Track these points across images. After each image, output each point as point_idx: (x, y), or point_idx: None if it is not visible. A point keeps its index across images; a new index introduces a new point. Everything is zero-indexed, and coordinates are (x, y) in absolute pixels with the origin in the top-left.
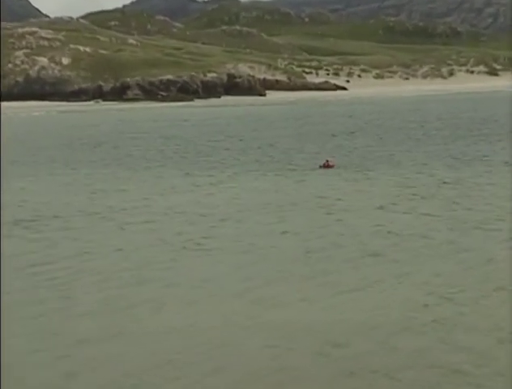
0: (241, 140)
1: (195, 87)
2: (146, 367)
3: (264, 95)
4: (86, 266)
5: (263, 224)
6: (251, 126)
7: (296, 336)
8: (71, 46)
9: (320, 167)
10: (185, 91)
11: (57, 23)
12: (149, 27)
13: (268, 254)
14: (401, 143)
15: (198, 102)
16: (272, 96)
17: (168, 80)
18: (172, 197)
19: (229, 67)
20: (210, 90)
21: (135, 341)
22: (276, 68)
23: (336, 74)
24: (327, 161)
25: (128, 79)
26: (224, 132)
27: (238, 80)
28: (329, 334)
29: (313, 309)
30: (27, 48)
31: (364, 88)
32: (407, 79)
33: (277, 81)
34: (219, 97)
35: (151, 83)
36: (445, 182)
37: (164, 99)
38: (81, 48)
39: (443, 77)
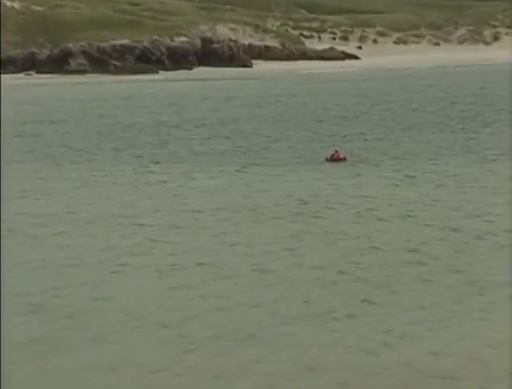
0: (205, 125)
1: (159, 55)
2: None
3: (250, 66)
4: None
5: (212, 237)
6: (224, 107)
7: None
8: None
9: (327, 160)
10: (146, 61)
11: None
12: None
13: (211, 275)
14: (409, 131)
15: (162, 75)
16: (260, 66)
17: (124, 46)
18: (105, 200)
19: (204, 29)
20: (178, 59)
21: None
22: (266, 30)
23: (345, 38)
24: (336, 152)
25: (70, 45)
26: (187, 115)
27: (216, 46)
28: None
29: (237, 346)
30: None
31: (380, 57)
32: (437, 44)
33: (267, 48)
34: (191, 69)
35: (101, 50)
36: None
37: (118, 71)
38: (7, 3)
39: (485, 42)
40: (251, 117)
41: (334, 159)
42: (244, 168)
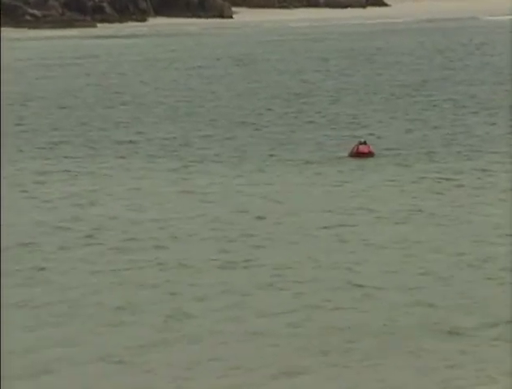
0: (141, 104)
1: (97, 0)
2: None
3: (229, 16)
4: None
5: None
6: (172, 77)
7: None
8: None
9: (350, 155)
10: (79, 10)
11: None
12: None
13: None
14: (451, 112)
15: (102, 29)
16: (244, 17)
17: None
18: None
19: None
20: (125, 7)
21: None
22: None
23: None
24: (359, 145)
25: None
26: (117, 88)
27: None
28: None
29: None
30: None
31: (418, 3)
32: None
33: None
34: (145, 20)
35: None
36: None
37: (36, 24)
38: None
39: None
40: (218, 92)
41: (357, 153)
42: (177, 164)
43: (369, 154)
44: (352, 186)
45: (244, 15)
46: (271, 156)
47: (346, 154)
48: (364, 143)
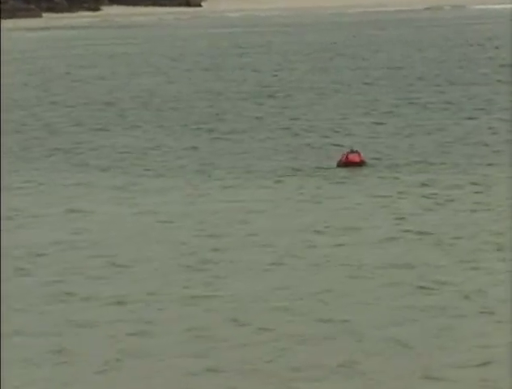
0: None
1: None
2: None
3: (198, 4)
4: None
5: None
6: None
7: None
8: None
9: (339, 165)
10: None
11: None
12: None
13: None
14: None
15: (48, 19)
16: (215, 6)
17: None
18: None
19: None
20: None
21: None
22: None
23: None
24: (348, 153)
25: None
26: (55, 88)
27: None
28: None
29: None
30: None
31: None
32: None
33: None
34: (98, 9)
35: None
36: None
37: None
38: None
39: None
40: (171, 92)
41: (346, 162)
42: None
43: (361, 163)
44: (334, 201)
45: (215, 3)
46: (235, 167)
47: (334, 163)
48: (356, 151)
